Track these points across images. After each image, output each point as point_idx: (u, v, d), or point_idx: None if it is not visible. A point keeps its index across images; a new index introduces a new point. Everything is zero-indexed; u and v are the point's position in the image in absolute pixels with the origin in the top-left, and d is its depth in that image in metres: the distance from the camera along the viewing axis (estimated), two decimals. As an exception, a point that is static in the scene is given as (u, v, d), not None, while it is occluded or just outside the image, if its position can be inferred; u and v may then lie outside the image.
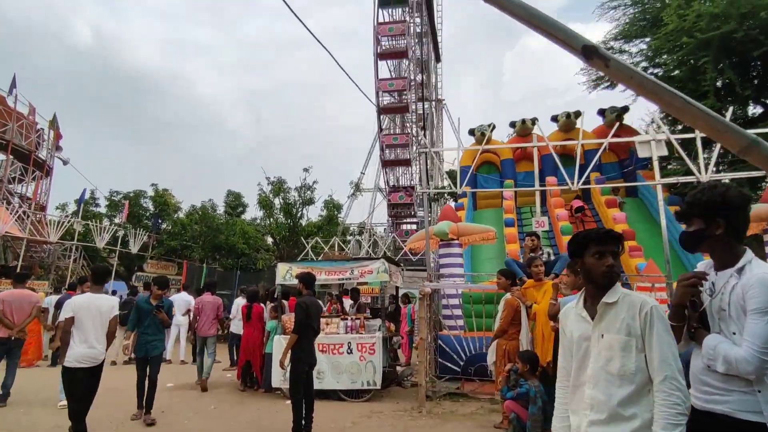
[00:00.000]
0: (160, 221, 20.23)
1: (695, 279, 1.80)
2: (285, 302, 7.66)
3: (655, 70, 11.83)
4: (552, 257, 6.18)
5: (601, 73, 13.01)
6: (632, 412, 1.59)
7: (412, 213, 27.44)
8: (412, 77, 26.89)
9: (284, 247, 18.72)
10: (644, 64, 11.89)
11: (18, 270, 14.00)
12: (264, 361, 7.10)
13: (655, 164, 6.18)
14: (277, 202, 18.54)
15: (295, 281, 6.26)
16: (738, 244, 1.76)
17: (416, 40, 27.21)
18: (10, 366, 6.09)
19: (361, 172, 29.24)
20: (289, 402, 4.99)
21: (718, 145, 6.04)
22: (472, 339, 6.89)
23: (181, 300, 9.85)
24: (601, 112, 12.08)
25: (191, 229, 19.30)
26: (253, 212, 23.05)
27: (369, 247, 19.10)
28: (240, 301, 8.95)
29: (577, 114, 12.19)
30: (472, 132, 13.01)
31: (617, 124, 8.23)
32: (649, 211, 11.37)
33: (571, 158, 11.32)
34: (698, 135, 6.16)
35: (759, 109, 11.01)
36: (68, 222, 16.03)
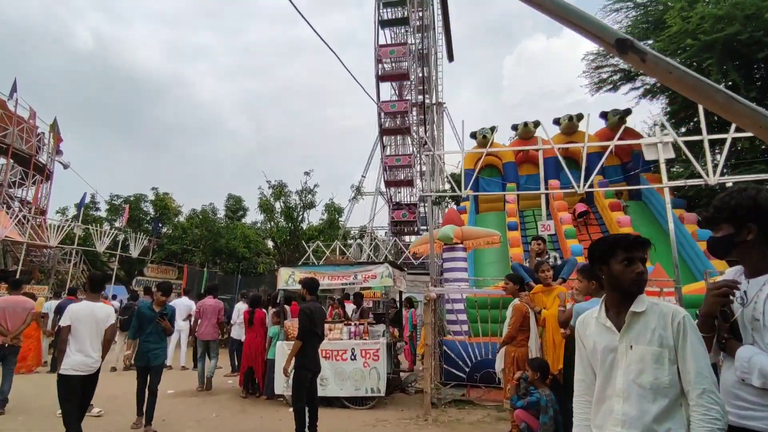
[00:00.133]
0: (160, 225, 20.16)
1: (726, 288, 1.71)
2: (287, 307, 7.57)
3: (658, 73, 11.79)
4: (558, 261, 6.08)
5: (604, 76, 13.10)
6: (666, 428, 1.51)
7: (415, 230, 27.57)
8: (414, 100, 27.15)
9: (285, 251, 18.65)
10: (647, 66, 11.86)
11: (18, 274, 13.97)
12: (266, 368, 7.00)
13: (662, 167, 6.11)
14: (278, 205, 18.49)
15: (298, 286, 6.19)
16: None
17: (421, 39, 27.23)
18: (5, 373, 6.01)
19: (362, 176, 29.21)
20: (292, 410, 4.90)
21: (727, 147, 5.97)
22: (477, 344, 6.79)
23: (182, 305, 9.74)
24: (604, 115, 12.04)
25: (192, 233, 19.23)
26: (253, 216, 22.99)
27: (370, 250, 19.02)
28: (241, 306, 8.86)
29: (580, 117, 12.15)
30: (473, 135, 12.97)
31: (622, 127, 8.15)
32: (652, 214, 11.30)
33: (573, 161, 11.28)
34: (705, 137, 6.09)
35: (763, 112, 10.93)
36: (68, 226, 15.95)
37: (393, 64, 26.46)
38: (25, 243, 14.51)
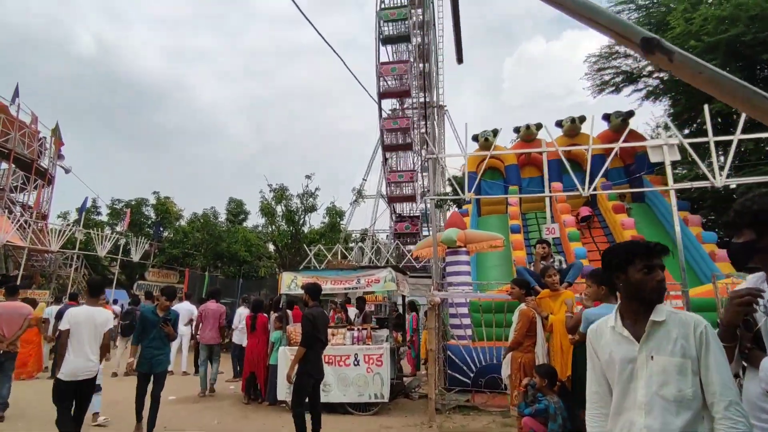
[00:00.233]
0: (161, 229, 20.12)
1: (749, 296, 1.65)
2: (289, 312, 7.51)
3: (661, 74, 11.74)
4: (563, 265, 6.01)
5: (606, 78, 13.05)
6: None
7: (417, 240, 27.76)
8: (416, 118, 27.28)
9: (286, 254, 18.57)
10: (650, 68, 11.81)
11: (19, 279, 13.93)
12: (268, 373, 6.93)
13: (668, 169, 6.05)
14: (279, 209, 18.43)
15: (300, 291, 6.12)
16: None
17: (422, 36, 27.30)
18: (3, 379, 5.98)
19: (363, 179, 29.21)
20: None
21: (733, 149, 5.91)
22: (482, 349, 6.71)
23: (184, 309, 9.69)
24: (606, 117, 11.97)
25: (193, 237, 19.19)
26: (255, 219, 22.99)
27: (372, 253, 18.95)
28: (242, 311, 8.81)
29: (582, 119, 12.09)
30: (475, 138, 12.91)
31: (627, 129, 8.08)
32: (656, 216, 11.21)
33: (575, 163, 11.21)
34: (711, 138, 6.03)
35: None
36: (70, 231, 15.93)
37: (395, 82, 26.68)
38: (26, 248, 14.48)
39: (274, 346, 6.91)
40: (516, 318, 4.39)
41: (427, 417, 5.73)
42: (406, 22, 26.12)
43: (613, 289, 3.22)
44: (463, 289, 7.32)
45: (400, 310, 9.17)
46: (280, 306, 7.37)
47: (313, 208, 18.51)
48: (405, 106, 28.97)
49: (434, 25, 28.83)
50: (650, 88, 12.25)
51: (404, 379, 8.02)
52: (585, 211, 11.18)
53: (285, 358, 6.41)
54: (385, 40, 26.57)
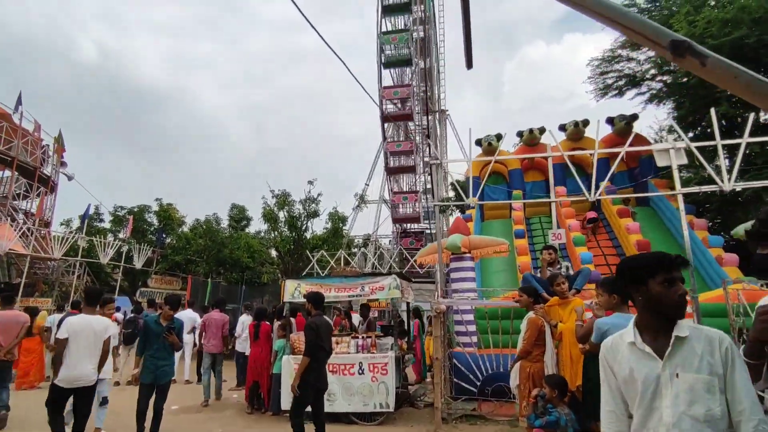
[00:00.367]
0: (164, 236, 20.11)
1: None
2: (293, 320, 7.43)
3: (664, 77, 11.69)
4: (570, 271, 5.94)
5: (609, 81, 13.00)
6: None
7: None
8: (420, 139, 27.48)
9: (289, 260, 18.51)
10: (653, 71, 11.76)
11: (22, 287, 13.91)
12: (272, 382, 6.85)
13: (675, 173, 5.97)
14: (281, 215, 18.39)
15: (304, 299, 6.06)
16: None
17: (424, 32, 27.42)
18: (0, 387, 5.94)
19: (366, 184, 29.18)
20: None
21: (741, 152, 5.83)
22: (488, 357, 6.62)
23: (187, 317, 9.62)
24: (610, 121, 11.91)
25: (195, 244, 19.15)
26: (257, 225, 22.92)
27: (375, 259, 18.88)
28: (245, 319, 8.74)
29: (585, 123, 12.04)
30: (478, 142, 12.86)
31: (633, 133, 8.02)
32: (661, 220, 11.12)
33: (579, 167, 11.13)
34: (719, 142, 5.96)
35: (772, 115, 10.82)
36: (72, 238, 15.92)
37: (397, 107, 26.99)
38: (29, 255, 14.47)
39: (278, 354, 6.83)
40: (524, 326, 4.31)
41: (433, 427, 5.64)
42: (409, 43, 26.22)
43: (625, 298, 3.16)
44: (469, 295, 7.23)
45: (404, 316, 9.08)
46: (284, 314, 7.30)
47: (315, 214, 18.46)
48: (407, 85, 28.80)
49: (434, 25, 28.92)
50: (653, 92, 12.18)
51: (409, 387, 7.92)
52: (591, 214, 11.10)
53: (288, 367, 6.34)
54: (387, 64, 26.67)
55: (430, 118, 27.25)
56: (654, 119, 29.78)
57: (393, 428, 6.00)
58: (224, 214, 22.20)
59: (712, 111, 6.20)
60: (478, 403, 6.44)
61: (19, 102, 18.06)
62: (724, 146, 6.21)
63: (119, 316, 11.88)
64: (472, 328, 7.10)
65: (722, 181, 5.89)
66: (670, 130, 12.52)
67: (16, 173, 18.02)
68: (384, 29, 26.96)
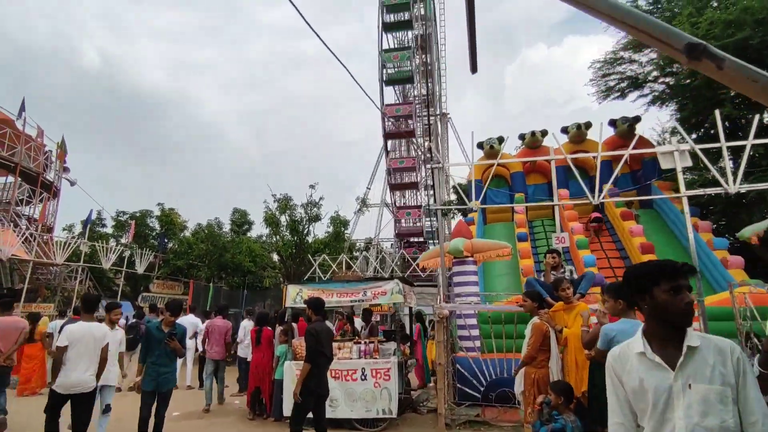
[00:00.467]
0: (166, 241, 20.12)
1: None
2: (295, 325, 7.39)
3: (667, 79, 11.64)
4: (574, 275, 5.88)
5: (611, 84, 12.96)
6: None
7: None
8: (422, 156, 27.73)
9: (291, 264, 18.49)
10: (655, 73, 11.71)
11: (24, 292, 13.92)
12: (274, 388, 6.80)
13: (680, 176, 5.92)
14: (283, 219, 18.39)
15: (304, 305, 6.02)
16: None
17: (427, 33, 27.54)
18: None
19: (367, 188, 29.20)
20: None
21: (746, 154, 5.78)
22: (492, 361, 6.55)
23: (188, 322, 9.58)
24: (612, 123, 11.87)
25: (197, 248, 19.15)
26: (259, 230, 22.92)
27: (377, 263, 18.82)
28: (247, 324, 8.70)
29: (588, 125, 12.00)
30: (480, 145, 12.83)
31: (636, 135, 7.97)
32: (665, 222, 11.04)
33: (582, 170, 11.07)
34: (724, 144, 5.90)
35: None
36: (74, 243, 15.94)
37: (398, 123, 27.15)
38: (31, 261, 14.48)
39: (280, 360, 6.79)
40: (529, 332, 4.25)
41: (437, 433, 5.57)
42: (411, 61, 26.36)
43: (631, 304, 3.11)
44: (472, 300, 7.17)
45: (406, 320, 9.02)
46: (285, 319, 7.26)
47: (317, 218, 18.46)
48: (409, 102, 28.98)
49: (435, 25, 28.99)
50: (656, 93, 12.13)
51: (412, 393, 7.85)
52: (596, 213, 11.04)
53: (291, 373, 6.29)
54: (389, 82, 26.84)
55: (432, 118, 27.38)
56: (657, 121, 29.76)
57: (396, 435, 5.94)
58: (226, 218, 22.24)
59: (717, 113, 6.15)
60: (481, 408, 6.37)
61: (22, 108, 18.14)
62: (728, 148, 6.16)
63: (121, 321, 11.86)
64: (475, 332, 7.04)
65: (727, 183, 5.83)
66: (673, 132, 12.45)
67: (19, 179, 18.08)
68: (386, 47, 27.12)
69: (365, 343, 6.59)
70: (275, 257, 20.70)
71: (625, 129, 11.22)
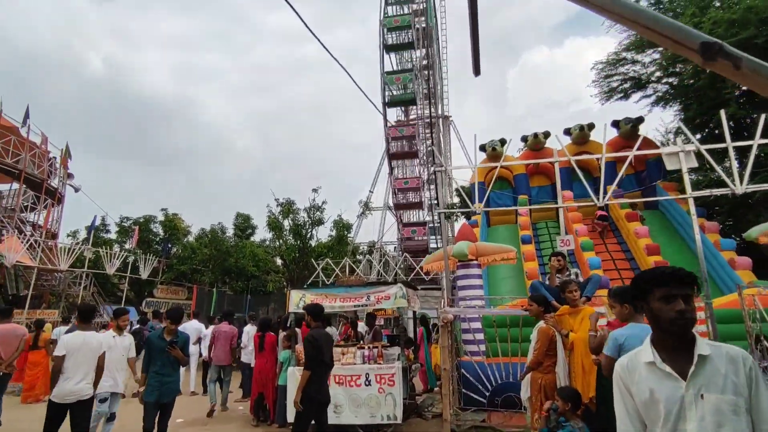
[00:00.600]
0: (169, 246, 20.16)
1: None
2: (298, 330, 7.34)
3: (670, 79, 11.58)
4: (580, 278, 5.81)
5: (614, 84, 12.92)
6: None
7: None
8: (426, 177, 27.90)
9: (294, 268, 18.46)
10: (658, 73, 11.66)
11: (29, 299, 13.96)
12: (277, 394, 6.75)
13: (686, 177, 5.85)
14: (286, 223, 18.38)
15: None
16: None
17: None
18: None
19: (370, 191, 29.19)
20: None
21: (753, 154, 5.71)
22: (497, 366, 6.49)
23: (192, 328, 9.58)
24: (616, 124, 11.81)
25: (201, 253, 19.17)
26: (262, 234, 22.97)
27: (380, 266, 18.77)
28: (250, 329, 8.67)
29: (591, 126, 11.95)
30: (483, 148, 12.79)
31: (640, 136, 7.91)
32: (670, 223, 10.95)
33: (585, 171, 11.01)
34: (730, 144, 5.84)
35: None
36: (78, 249, 15.98)
37: (402, 145, 27.34)
38: (36, 267, 14.52)
39: (283, 365, 6.74)
40: (535, 336, 4.20)
41: (443, 439, 5.51)
42: (414, 84, 26.42)
43: (637, 308, 3.05)
44: (476, 303, 7.11)
45: (410, 324, 8.95)
46: (288, 324, 7.22)
47: (320, 222, 18.43)
48: (411, 117, 29.17)
49: (437, 29, 29.03)
50: (659, 94, 12.07)
51: (417, 398, 7.78)
52: (601, 211, 10.97)
53: (294, 378, 6.23)
54: (391, 104, 26.88)
55: (434, 116, 27.41)
56: (660, 122, 29.62)
57: (401, 441, 5.88)
58: (229, 223, 22.28)
59: (722, 113, 6.09)
60: (487, 413, 6.30)
61: (26, 115, 18.26)
62: (734, 148, 6.10)
63: (103, 335, 11.84)
64: (480, 336, 6.98)
65: (734, 183, 5.76)
66: (677, 133, 12.37)
67: (24, 186, 18.17)
68: (388, 67, 27.17)
69: (369, 348, 6.54)
70: (278, 261, 20.69)
71: (629, 130, 11.16)
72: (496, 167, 7.80)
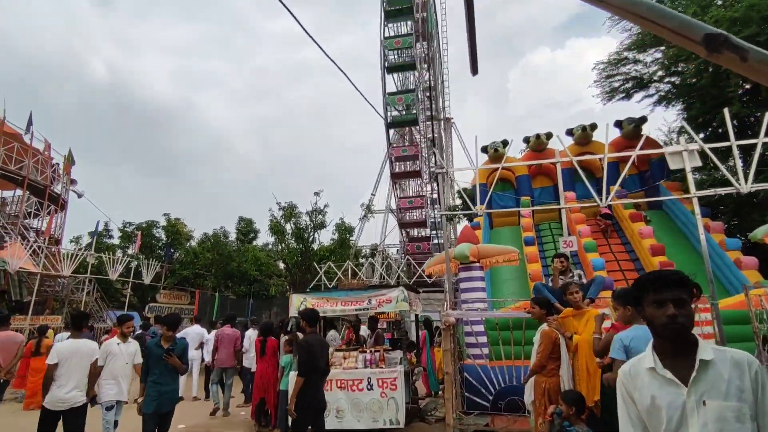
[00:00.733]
0: (172, 251, 20.19)
1: None
2: (300, 335, 7.30)
3: (672, 78, 11.50)
4: (583, 280, 5.75)
5: (616, 84, 12.84)
6: None
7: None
8: (429, 194, 28.12)
9: (297, 272, 18.44)
10: (660, 73, 11.59)
11: (32, 305, 13.98)
12: (279, 399, 6.70)
13: (690, 176, 5.79)
14: (288, 227, 18.37)
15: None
16: None
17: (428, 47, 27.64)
18: None
19: (372, 194, 29.17)
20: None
21: (757, 152, 5.64)
22: (500, 369, 6.41)
23: (194, 333, 9.57)
24: (618, 124, 11.73)
25: (203, 258, 19.19)
26: (264, 238, 22.95)
27: (383, 269, 18.72)
28: (251, 334, 8.65)
29: (593, 127, 11.88)
30: (485, 149, 12.74)
31: (643, 136, 7.84)
32: (675, 223, 10.86)
33: (587, 172, 10.94)
34: (734, 142, 5.77)
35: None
36: (81, 255, 16.02)
37: (404, 165, 27.53)
38: (39, 273, 14.56)
39: (285, 370, 6.69)
40: (538, 339, 4.13)
41: (446, 444, 5.44)
42: (415, 104, 26.49)
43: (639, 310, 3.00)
44: (479, 307, 7.05)
45: (412, 327, 8.88)
46: (289, 328, 7.18)
47: (322, 225, 18.42)
48: (415, 144, 29.22)
49: (438, 31, 29.02)
50: (662, 93, 11.99)
51: (419, 402, 7.71)
52: (605, 209, 10.88)
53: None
54: (392, 124, 26.92)
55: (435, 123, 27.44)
56: (663, 121, 29.50)
57: (404, 446, 5.81)
58: (232, 227, 22.30)
59: (725, 111, 6.02)
60: (491, 417, 6.22)
61: (30, 122, 18.36)
62: (738, 147, 6.03)
63: (95, 343, 11.83)
64: (483, 339, 6.91)
65: (738, 182, 5.69)
66: (681, 132, 12.28)
67: (27, 192, 18.25)
68: (390, 90, 27.05)
69: (371, 352, 6.49)
70: (281, 265, 20.68)
71: (631, 130, 11.08)
72: (498, 168, 7.73)
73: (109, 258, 16.58)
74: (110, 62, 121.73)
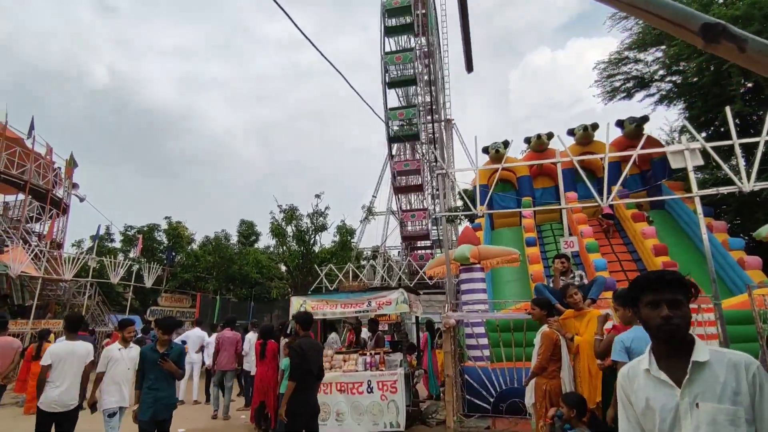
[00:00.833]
0: (173, 254, 20.19)
1: None
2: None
3: (673, 78, 11.45)
4: (585, 280, 5.68)
5: (617, 84, 12.78)
6: None
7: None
8: (433, 208, 28.10)
9: (298, 275, 18.41)
10: (662, 72, 11.53)
11: (33, 309, 13.99)
12: (279, 402, 6.65)
13: (692, 176, 5.73)
14: (289, 229, 18.35)
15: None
16: None
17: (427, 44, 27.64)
18: None
19: (373, 196, 29.18)
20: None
21: (760, 151, 5.58)
22: (501, 371, 6.35)
23: (195, 336, 9.56)
24: (620, 123, 11.67)
25: (204, 261, 19.18)
26: (266, 241, 22.93)
27: (384, 271, 18.67)
28: (252, 337, 8.62)
29: (594, 126, 11.82)
30: (486, 150, 12.71)
31: (644, 135, 7.79)
32: (677, 223, 10.78)
33: (589, 171, 10.88)
34: (736, 141, 5.71)
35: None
36: (83, 259, 16.03)
37: (407, 180, 27.55)
38: (40, 277, 14.57)
39: (285, 373, 6.64)
40: (538, 341, 4.08)
41: (447, 447, 5.38)
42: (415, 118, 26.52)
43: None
44: (479, 308, 6.99)
45: (413, 329, 8.83)
46: (289, 331, 7.13)
47: (323, 228, 18.38)
48: (417, 159, 29.26)
49: (438, 33, 29.02)
50: (663, 93, 11.93)
51: (420, 404, 7.65)
52: (607, 209, 10.81)
53: (295, 387, 6.15)
54: (395, 139, 26.99)
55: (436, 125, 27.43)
56: (664, 120, 29.38)
57: (405, 449, 5.76)
58: (233, 230, 22.30)
59: (727, 110, 5.96)
60: (492, 420, 6.17)
61: (32, 127, 18.43)
62: (740, 145, 5.97)
63: (90, 345, 11.81)
64: (484, 341, 6.86)
65: (741, 181, 5.63)
66: (682, 131, 12.21)
67: (29, 197, 18.29)
68: (391, 100, 27.27)
69: (371, 354, 6.44)
70: (282, 268, 20.66)
71: (633, 129, 11.02)
72: (499, 169, 7.69)
73: (111, 261, 16.60)
74: (112, 66, 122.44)
